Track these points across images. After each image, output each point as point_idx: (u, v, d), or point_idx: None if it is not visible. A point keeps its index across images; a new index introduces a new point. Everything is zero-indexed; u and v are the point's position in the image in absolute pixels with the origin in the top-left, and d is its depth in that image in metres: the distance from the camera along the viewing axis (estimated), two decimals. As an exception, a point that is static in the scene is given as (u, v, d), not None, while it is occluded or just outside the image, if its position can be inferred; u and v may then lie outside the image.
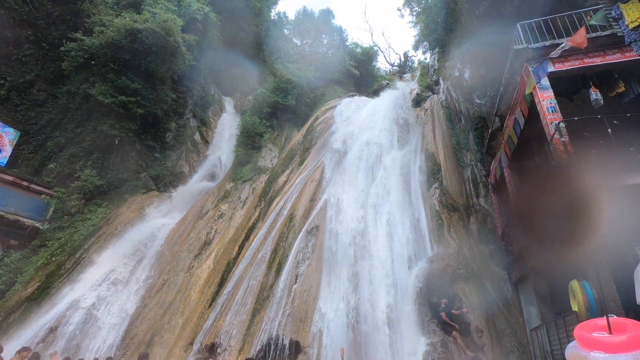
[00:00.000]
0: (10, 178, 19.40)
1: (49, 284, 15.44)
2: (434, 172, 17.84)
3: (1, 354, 7.54)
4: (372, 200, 15.66)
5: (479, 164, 18.66)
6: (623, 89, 8.30)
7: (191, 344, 12.43)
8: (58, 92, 22.91)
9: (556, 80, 8.42)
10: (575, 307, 6.42)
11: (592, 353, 2.90)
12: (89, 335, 13.26)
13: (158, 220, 18.85)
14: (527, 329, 10.10)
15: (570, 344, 3.16)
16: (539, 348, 8.67)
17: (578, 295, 6.37)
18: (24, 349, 7.89)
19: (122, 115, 21.59)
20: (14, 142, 19.99)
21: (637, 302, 5.64)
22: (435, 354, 10.83)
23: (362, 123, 21.45)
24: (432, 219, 15.64)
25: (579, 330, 3.10)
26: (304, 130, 22.90)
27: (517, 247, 10.27)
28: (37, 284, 15.59)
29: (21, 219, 18.98)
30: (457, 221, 15.94)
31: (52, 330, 12.91)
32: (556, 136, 7.01)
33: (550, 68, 8.24)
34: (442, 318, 11.95)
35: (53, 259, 16.79)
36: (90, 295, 14.37)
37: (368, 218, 14.88)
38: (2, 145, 19.22)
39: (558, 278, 8.63)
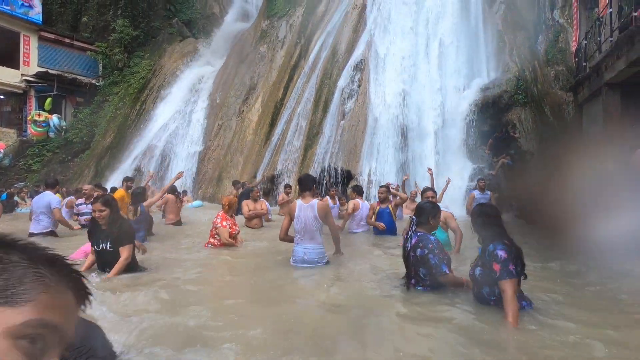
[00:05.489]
0: (52, 36, 19.51)
1: (122, 133, 17.23)
2: (501, -18, 14.79)
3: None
4: (423, 21, 13.81)
5: (561, -36, 15.00)
6: None
7: (254, 176, 14.03)
8: None
9: None
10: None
11: None
12: (169, 172, 15.37)
13: (201, 68, 18.80)
14: (583, 148, 9.84)
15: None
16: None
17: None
18: (128, 178, 8.80)
19: (135, -51, 19.14)
20: (40, -5, 19.13)
21: None
22: (479, 177, 11.28)
23: None
24: (492, 41, 13.86)
25: None
26: (340, -57, 19.00)
27: (593, 62, 9.05)
28: (112, 134, 17.47)
29: (77, 76, 19.94)
30: (522, 41, 14.02)
31: (138, 169, 15.10)
32: None
33: None
34: (489, 145, 12.03)
35: (118, 112, 18.21)
36: (160, 140, 16.00)
37: (419, 44, 13.47)
38: (30, 0, 18.54)
39: (636, 92, 7.76)
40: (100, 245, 3.83)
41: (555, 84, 13.58)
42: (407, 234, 3.23)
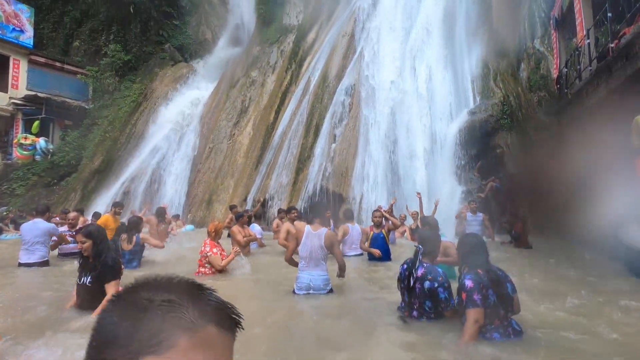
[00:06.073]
0: (43, 60, 19.52)
1: (110, 157, 17.03)
2: (483, 13, 15.51)
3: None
4: (410, 49, 14.29)
5: (538, -2, 15.89)
6: None
7: (245, 200, 13.91)
8: (55, -45, 20.74)
9: None
10: (636, 141, 6.08)
11: None
12: (158, 197, 15.15)
13: (192, 92, 18.92)
14: (569, 172, 10.07)
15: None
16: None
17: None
18: (117, 204, 8.66)
19: (129, -22, 19.59)
20: (32, 21, 19.28)
21: None
22: (470, 199, 11.39)
23: (399, -43, 17.98)
24: (477, 67, 14.36)
25: None
26: (330, -26, 19.78)
27: (574, 89, 9.42)
28: (101, 157, 17.24)
29: (67, 100, 19.85)
30: (505, 68, 14.56)
31: (126, 193, 14.85)
32: None
33: None
34: (477, 168, 12.26)
35: (107, 135, 18.06)
36: (149, 163, 15.84)
37: (406, 69, 13.88)
38: (22, 25, 18.65)
39: (617, 118, 8.05)
40: (82, 279, 3.50)
41: (539, 109, 14.05)
42: (412, 263, 3.15)
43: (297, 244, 4.27)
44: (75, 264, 6.17)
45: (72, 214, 7.23)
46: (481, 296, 2.61)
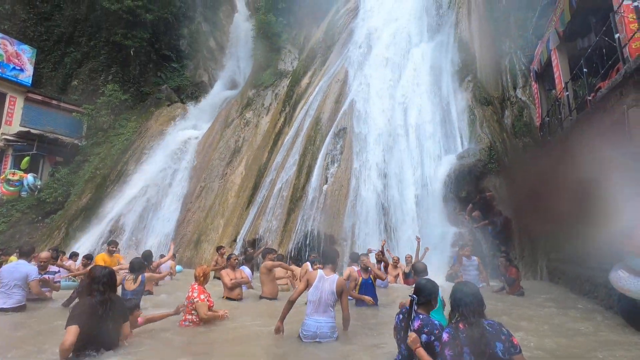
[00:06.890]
0: (39, 97, 19.77)
1: (99, 194, 16.79)
2: (467, 64, 16.44)
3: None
4: (400, 97, 14.93)
5: (519, 51, 16.99)
6: None
7: (235, 240, 13.67)
8: (61, 1, 21.72)
9: None
10: None
11: None
12: (145, 236, 14.80)
13: (186, 131, 19.18)
14: (557, 216, 10.21)
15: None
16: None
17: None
18: (111, 242, 8.63)
19: (131, 23, 20.50)
20: (33, 60, 19.77)
21: None
22: (462, 242, 11.38)
23: (389, 12, 19.31)
24: (464, 114, 14.96)
25: None
26: (324, 25, 21.01)
27: (556, 137, 9.83)
28: (89, 194, 16.99)
29: (60, 136, 19.89)
30: (491, 115, 15.18)
31: (113, 232, 14.47)
32: (626, 1, 5.95)
33: None
34: (468, 211, 12.34)
35: (97, 172, 17.94)
36: (139, 202, 15.62)
37: (396, 116, 14.40)
38: (22, 64, 19.09)
39: (601, 162, 8.35)
40: None
41: (525, 154, 14.52)
42: (408, 314, 3.00)
43: (306, 287, 4.25)
44: (59, 306, 5.84)
45: (43, 254, 6.60)
46: (453, 353, 2.47)
